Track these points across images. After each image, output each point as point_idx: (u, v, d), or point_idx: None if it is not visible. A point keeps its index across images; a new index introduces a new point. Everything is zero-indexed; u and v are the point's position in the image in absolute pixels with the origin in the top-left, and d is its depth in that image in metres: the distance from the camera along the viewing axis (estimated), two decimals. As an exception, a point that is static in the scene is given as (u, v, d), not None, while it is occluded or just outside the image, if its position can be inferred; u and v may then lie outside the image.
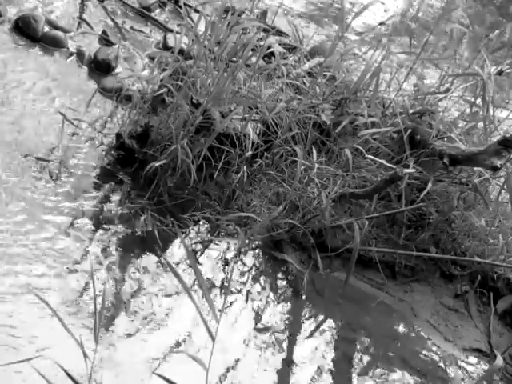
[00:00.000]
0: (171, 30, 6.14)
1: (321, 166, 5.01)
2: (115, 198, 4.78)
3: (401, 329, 4.75)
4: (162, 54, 5.61)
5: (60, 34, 5.80)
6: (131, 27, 6.21)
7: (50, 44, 5.73)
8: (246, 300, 4.47)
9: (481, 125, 5.37)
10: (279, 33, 6.41)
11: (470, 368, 4.60)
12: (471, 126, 5.41)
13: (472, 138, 5.35)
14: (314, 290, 4.70)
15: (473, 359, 4.66)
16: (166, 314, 4.16)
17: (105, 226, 4.54)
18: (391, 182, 4.75)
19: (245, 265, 4.69)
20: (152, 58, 5.82)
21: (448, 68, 5.83)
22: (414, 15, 6.98)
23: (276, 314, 4.47)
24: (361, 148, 5.04)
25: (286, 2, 6.98)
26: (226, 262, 4.64)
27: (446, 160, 4.92)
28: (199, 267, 4.51)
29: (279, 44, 5.68)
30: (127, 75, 5.62)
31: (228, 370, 4.00)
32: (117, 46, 5.82)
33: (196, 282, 4.38)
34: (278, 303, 4.55)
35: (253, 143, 5.00)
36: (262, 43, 5.25)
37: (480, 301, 5.00)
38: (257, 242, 4.82)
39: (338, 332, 4.54)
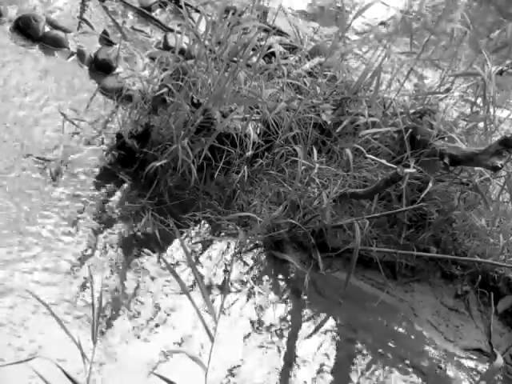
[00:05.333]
0: (172, 30, 6.14)
1: (321, 165, 5.01)
2: (115, 197, 4.77)
3: (401, 329, 4.74)
4: (163, 54, 5.60)
5: (60, 33, 5.79)
6: (132, 27, 6.20)
7: (51, 44, 5.73)
8: (247, 300, 4.47)
9: (481, 125, 5.37)
10: (280, 33, 6.41)
11: (470, 368, 4.60)
12: (472, 125, 5.41)
13: (473, 137, 5.35)
14: (314, 289, 4.70)
15: (473, 359, 4.66)
16: (166, 314, 4.15)
17: (105, 225, 4.54)
18: (392, 182, 4.75)
19: (245, 265, 4.69)
20: (153, 58, 5.80)
21: (448, 68, 5.82)
22: (414, 15, 6.97)
23: (276, 314, 4.47)
24: (361, 148, 5.04)
25: (286, 2, 6.97)
26: (227, 262, 4.64)
27: (446, 160, 4.92)
28: (200, 267, 4.51)
29: (280, 44, 5.69)
30: (128, 75, 5.62)
31: (228, 370, 4.00)
32: (117, 45, 5.81)
33: (196, 282, 4.38)
34: (279, 303, 4.55)
35: (253, 143, 5.00)
36: (262, 43, 5.26)
37: (480, 301, 5.00)
38: (257, 242, 4.82)
39: (339, 332, 4.53)
